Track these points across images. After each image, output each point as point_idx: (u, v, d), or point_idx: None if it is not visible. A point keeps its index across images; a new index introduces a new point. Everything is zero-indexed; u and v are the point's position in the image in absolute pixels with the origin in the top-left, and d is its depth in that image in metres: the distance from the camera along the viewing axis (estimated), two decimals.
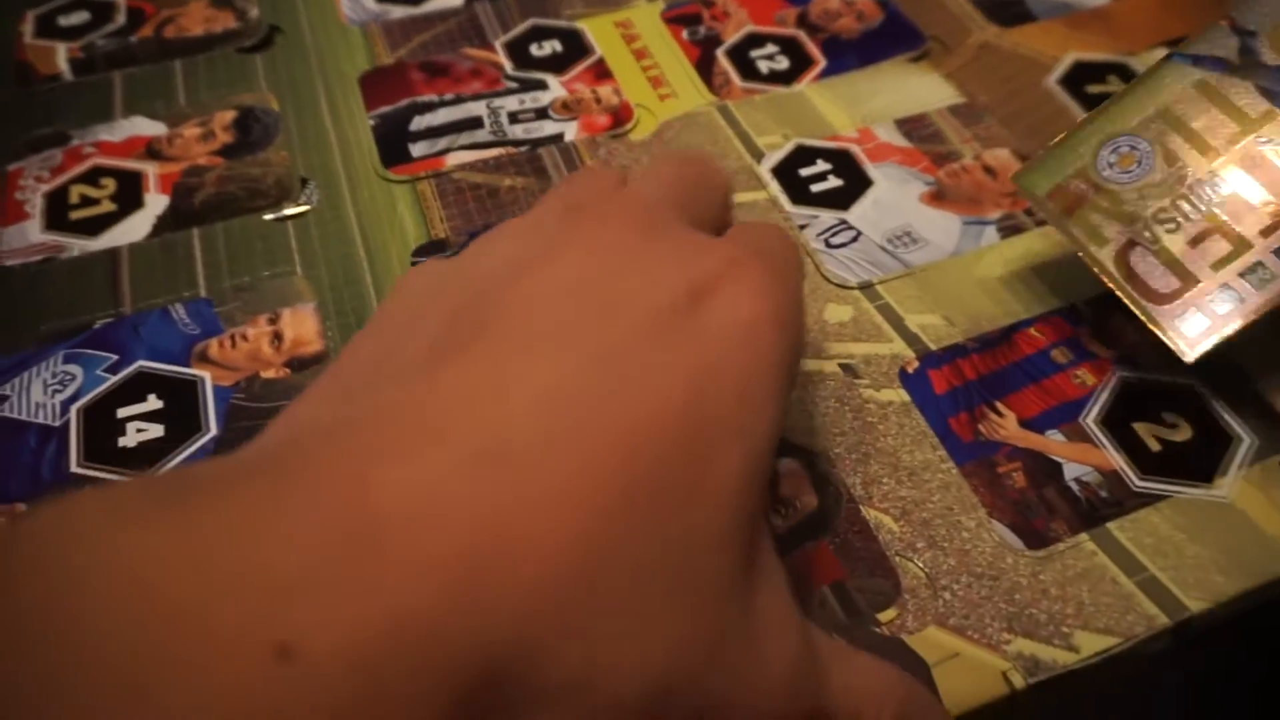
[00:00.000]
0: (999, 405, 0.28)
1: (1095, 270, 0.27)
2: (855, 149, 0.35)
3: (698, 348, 0.18)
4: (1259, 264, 0.25)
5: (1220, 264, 0.25)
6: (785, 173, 0.34)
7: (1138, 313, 0.26)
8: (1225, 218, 0.26)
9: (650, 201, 0.21)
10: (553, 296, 0.18)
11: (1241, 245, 0.25)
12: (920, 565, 0.25)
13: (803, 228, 0.32)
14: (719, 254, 0.20)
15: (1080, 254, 0.27)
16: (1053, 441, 0.27)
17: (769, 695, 0.18)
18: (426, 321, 0.18)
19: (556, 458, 0.15)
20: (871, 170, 0.34)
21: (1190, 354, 0.25)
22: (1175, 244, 0.26)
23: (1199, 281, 0.25)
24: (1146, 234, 0.26)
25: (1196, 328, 0.25)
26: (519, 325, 0.17)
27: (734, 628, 0.17)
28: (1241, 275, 0.25)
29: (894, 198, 0.33)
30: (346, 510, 0.14)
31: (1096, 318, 0.30)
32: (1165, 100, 0.27)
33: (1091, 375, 0.29)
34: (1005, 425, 0.28)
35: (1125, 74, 0.37)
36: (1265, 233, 0.25)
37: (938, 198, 0.34)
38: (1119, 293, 0.26)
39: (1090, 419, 0.28)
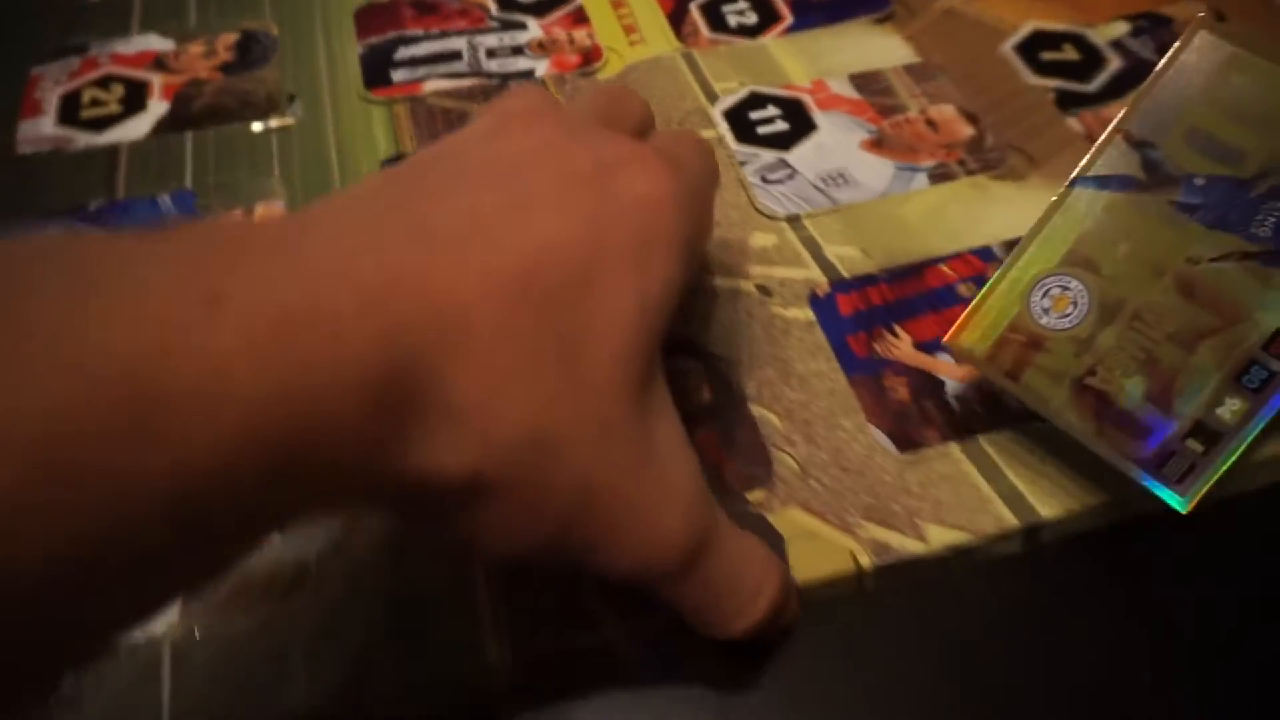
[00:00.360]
0: (897, 328, 0.30)
1: (1064, 428, 0.25)
2: (806, 98, 0.37)
3: (598, 204, 0.21)
4: (1225, 396, 0.23)
5: (1186, 399, 0.24)
6: (735, 115, 0.36)
7: (1121, 469, 0.24)
8: (1179, 349, 0.24)
9: (573, 112, 0.24)
10: (477, 166, 0.21)
11: (1202, 376, 0.23)
12: (794, 456, 0.27)
13: (743, 164, 0.35)
14: (627, 147, 0.23)
15: (1043, 415, 0.25)
16: (941, 362, 0.29)
17: (665, 513, 0.20)
18: (368, 187, 0.21)
19: (470, 245, 0.19)
20: (818, 117, 0.36)
21: (1184, 505, 0.23)
22: (1135, 386, 0.24)
23: (1169, 422, 0.24)
24: (1103, 379, 0.24)
25: (1181, 474, 0.23)
26: (446, 181, 0.21)
27: (628, 431, 0.20)
28: (1211, 409, 0.23)
29: (835, 142, 0.35)
30: (287, 242, 0.17)
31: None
32: (1082, 231, 0.25)
33: None
34: (899, 345, 0.30)
35: (1081, 44, 0.39)
36: (1221, 360, 0.23)
37: (877, 145, 0.35)
38: (1094, 450, 0.24)
39: None
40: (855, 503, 0.26)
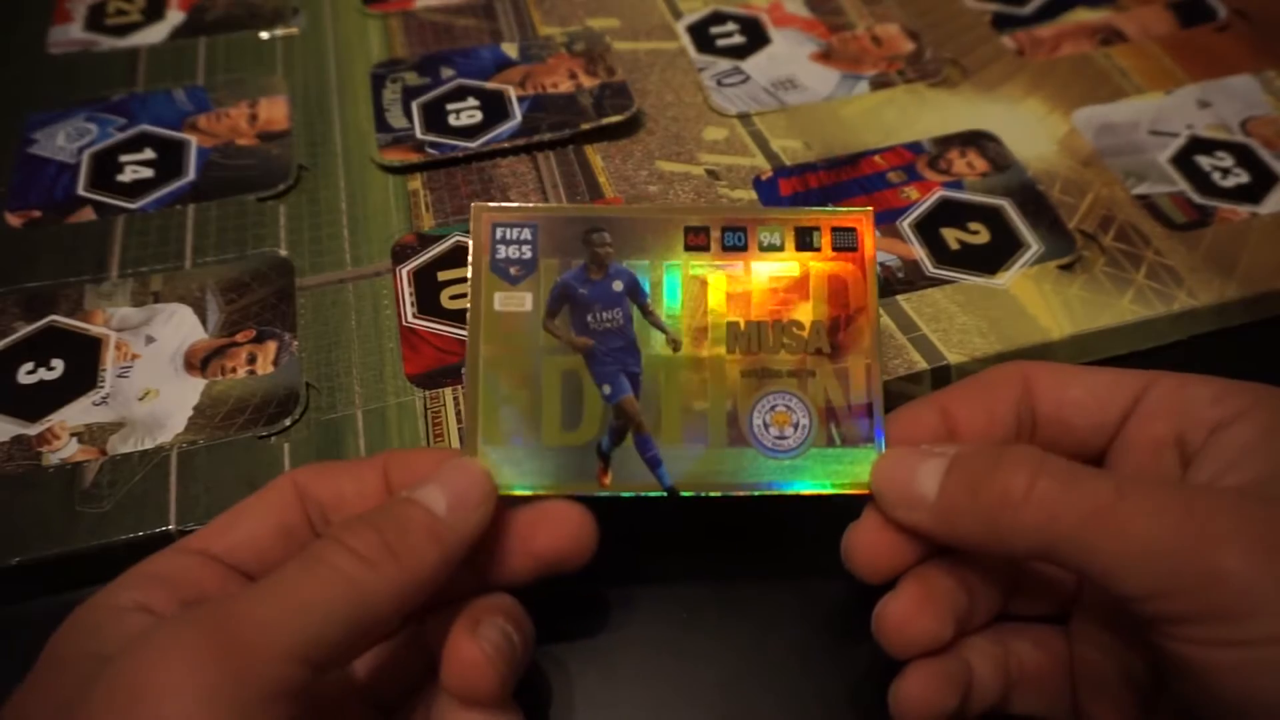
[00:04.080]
0: (831, 206, 0.33)
1: None
2: (764, 16, 0.41)
3: None
4: None
5: None
6: (697, 30, 0.40)
7: None
8: None
9: None
10: None
11: None
12: None
13: (701, 70, 0.38)
14: None
15: None
16: None
17: None
18: None
19: None
20: (773, 33, 0.40)
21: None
22: None
23: None
24: None
25: None
26: None
27: None
28: None
29: (787, 54, 0.39)
30: None
31: (936, 152, 0.35)
32: None
33: (917, 192, 0.34)
34: None
35: None
36: None
37: (825, 57, 0.39)
38: None
39: (906, 223, 0.33)
40: None
